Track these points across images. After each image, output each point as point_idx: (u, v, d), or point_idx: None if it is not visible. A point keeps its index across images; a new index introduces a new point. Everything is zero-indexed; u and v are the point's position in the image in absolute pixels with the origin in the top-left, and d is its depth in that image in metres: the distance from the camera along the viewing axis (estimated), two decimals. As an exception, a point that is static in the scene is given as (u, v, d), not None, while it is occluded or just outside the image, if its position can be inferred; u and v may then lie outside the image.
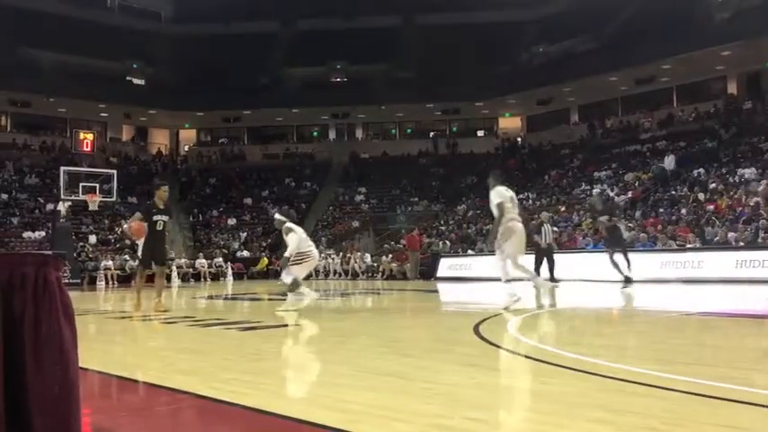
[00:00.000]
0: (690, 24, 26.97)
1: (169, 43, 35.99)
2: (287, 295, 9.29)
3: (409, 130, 40.37)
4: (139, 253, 9.72)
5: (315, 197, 35.16)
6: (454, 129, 39.48)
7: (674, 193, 22.17)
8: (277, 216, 9.26)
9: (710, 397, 3.01)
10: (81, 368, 1.93)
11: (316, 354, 5.47)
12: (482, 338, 5.47)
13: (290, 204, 34.25)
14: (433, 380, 3.65)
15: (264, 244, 30.14)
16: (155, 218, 9.12)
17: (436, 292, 16.10)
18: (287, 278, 8.83)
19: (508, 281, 8.46)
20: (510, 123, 38.27)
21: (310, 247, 9.04)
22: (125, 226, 10.48)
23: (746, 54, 26.59)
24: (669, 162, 24.66)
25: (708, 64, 28.15)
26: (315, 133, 40.83)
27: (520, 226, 8.57)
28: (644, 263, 15.69)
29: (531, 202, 27.59)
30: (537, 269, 13.66)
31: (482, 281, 19.71)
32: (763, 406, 2.81)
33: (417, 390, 3.39)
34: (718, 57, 27.43)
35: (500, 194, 8.49)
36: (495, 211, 8.54)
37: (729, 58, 27.50)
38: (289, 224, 8.92)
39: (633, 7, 29.79)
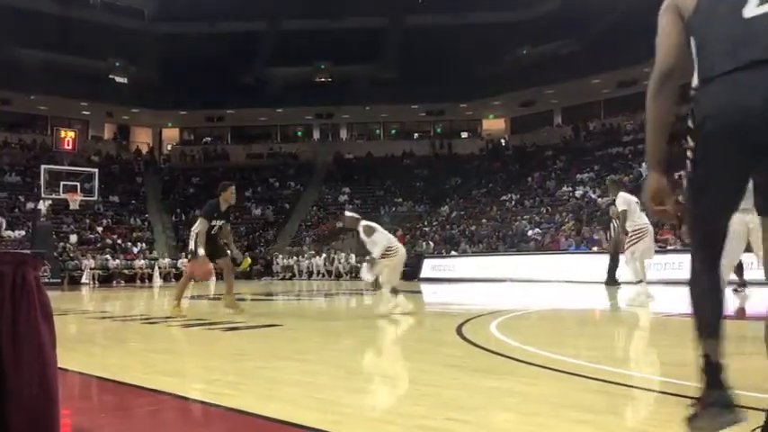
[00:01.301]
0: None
1: (152, 41, 35.74)
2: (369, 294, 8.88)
3: (393, 131, 40.41)
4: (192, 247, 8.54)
5: (299, 197, 35.08)
6: (438, 130, 39.57)
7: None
8: (348, 214, 8.27)
9: (690, 398, 3.03)
10: (61, 369, 1.90)
11: (299, 355, 5.44)
12: (465, 339, 5.48)
13: (273, 204, 34.24)
14: (416, 381, 3.65)
15: (246, 243, 29.95)
16: (213, 222, 8.52)
17: (420, 292, 16.10)
18: (368, 275, 7.85)
19: (640, 281, 8.91)
20: (494, 125, 38.44)
21: (393, 242, 7.89)
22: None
23: (727, 58, 26.87)
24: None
25: (690, 67, 28.45)
26: (299, 133, 40.74)
27: (650, 227, 9.05)
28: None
29: (513, 203, 27.71)
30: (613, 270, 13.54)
31: (465, 282, 19.79)
32: (744, 407, 2.83)
33: (401, 391, 3.38)
34: (700, 60, 27.69)
35: (626, 201, 9.01)
36: (621, 217, 9.04)
37: (711, 62, 27.77)
38: (366, 222, 7.83)
39: (616, 11, 30.03)
